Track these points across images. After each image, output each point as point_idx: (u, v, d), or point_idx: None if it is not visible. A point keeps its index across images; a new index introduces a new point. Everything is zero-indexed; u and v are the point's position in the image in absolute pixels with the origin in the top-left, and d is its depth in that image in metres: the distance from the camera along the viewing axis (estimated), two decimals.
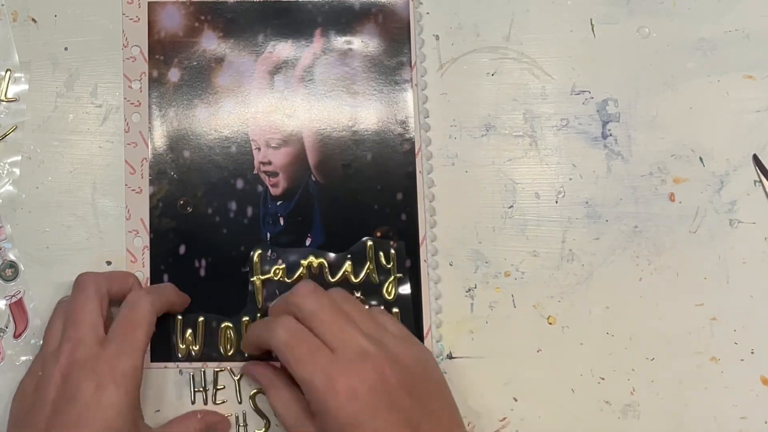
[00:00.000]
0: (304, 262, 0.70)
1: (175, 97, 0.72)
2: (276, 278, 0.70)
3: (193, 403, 0.69)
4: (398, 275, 0.70)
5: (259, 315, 0.70)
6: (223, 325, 0.70)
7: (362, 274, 0.70)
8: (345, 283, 0.70)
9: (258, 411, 0.69)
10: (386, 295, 0.70)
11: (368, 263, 0.70)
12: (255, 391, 0.69)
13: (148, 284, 0.69)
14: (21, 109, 0.71)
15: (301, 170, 0.71)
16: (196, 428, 0.67)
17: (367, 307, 0.68)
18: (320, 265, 0.70)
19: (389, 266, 0.70)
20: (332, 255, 0.70)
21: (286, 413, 0.64)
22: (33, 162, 0.71)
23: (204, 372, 0.69)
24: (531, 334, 0.70)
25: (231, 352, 0.69)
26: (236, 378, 0.69)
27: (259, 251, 0.70)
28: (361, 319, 0.64)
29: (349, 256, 0.70)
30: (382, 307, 0.69)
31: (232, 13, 0.73)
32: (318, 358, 0.60)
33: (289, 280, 0.70)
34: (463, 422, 0.64)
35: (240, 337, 0.69)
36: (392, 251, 0.70)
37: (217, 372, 0.69)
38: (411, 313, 0.70)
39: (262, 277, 0.70)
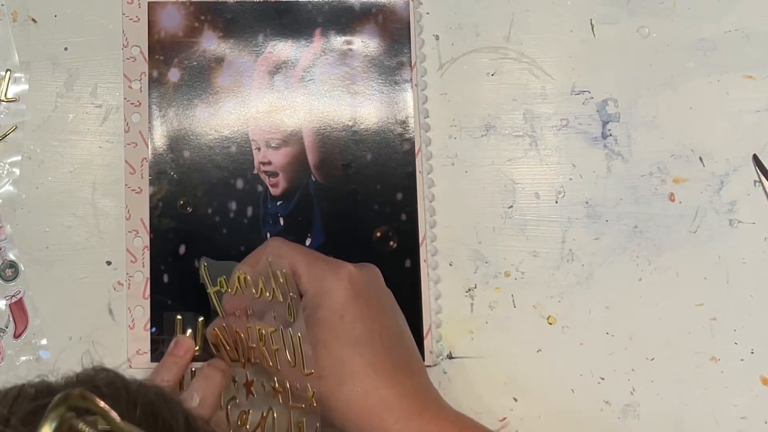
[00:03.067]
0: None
1: (175, 97, 0.72)
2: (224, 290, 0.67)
3: None
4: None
5: (225, 324, 0.67)
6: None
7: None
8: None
9: None
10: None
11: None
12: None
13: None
14: (21, 109, 0.71)
15: (301, 170, 0.71)
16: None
17: None
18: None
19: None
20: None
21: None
22: (33, 162, 0.71)
23: None
24: (531, 334, 0.70)
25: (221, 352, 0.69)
26: None
27: (204, 264, 0.68)
28: None
29: None
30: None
31: (232, 13, 0.73)
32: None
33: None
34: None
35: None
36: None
37: None
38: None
39: (214, 289, 0.67)
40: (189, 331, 0.69)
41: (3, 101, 0.71)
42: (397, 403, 0.60)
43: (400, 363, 0.62)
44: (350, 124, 0.72)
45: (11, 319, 0.69)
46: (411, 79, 0.72)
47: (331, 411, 0.61)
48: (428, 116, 0.72)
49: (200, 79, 0.72)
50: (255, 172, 0.71)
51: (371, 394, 0.60)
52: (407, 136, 0.72)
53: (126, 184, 0.71)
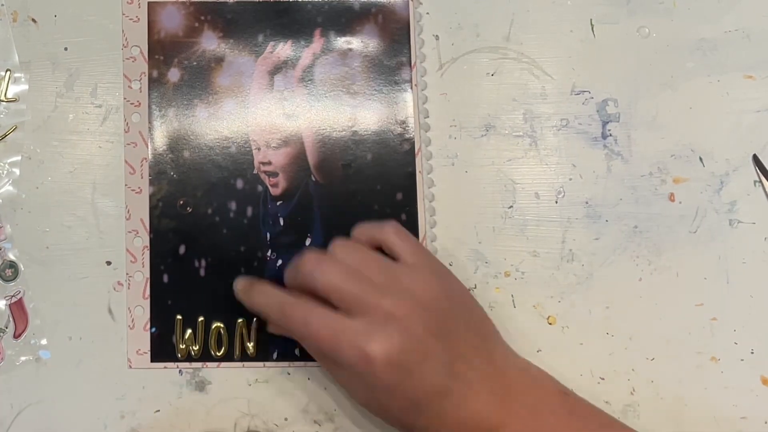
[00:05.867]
0: None
1: (174, 97, 0.72)
2: None
3: None
4: None
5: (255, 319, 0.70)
6: (213, 326, 0.70)
7: None
8: None
9: None
10: None
11: None
12: None
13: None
14: (21, 109, 0.71)
15: (301, 170, 0.71)
16: None
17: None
18: None
19: None
20: None
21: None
22: (33, 162, 0.71)
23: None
24: (531, 334, 0.70)
25: (221, 353, 0.69)
26: None
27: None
28: (372, 270, 0.63)
29: None
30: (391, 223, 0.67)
31: (232, 13, 0.73)
32: (346, 335, 0.60)
33: None
34: (501, 336, 0.66)
35: (231, 339, 0.69)
36: None
37: None
38: None
39: None
40: (189, 331, 0.69)
41: (3, 101, 0.71)
42: (492, 408, 0.61)
43: (484, 360, 0.63)
44: (350, 124, 0.72)
45: (11, 319, 0.69)
46: (411, 79, 0.72)
47: (414, 425, 0.62)
48: (428, 116, 0.72)
49: (200, 79, 0.72)
50: (255, 172, 0.71)
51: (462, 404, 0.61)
52: (407, 136, 0.72)
53: (126, 184, 0.71)
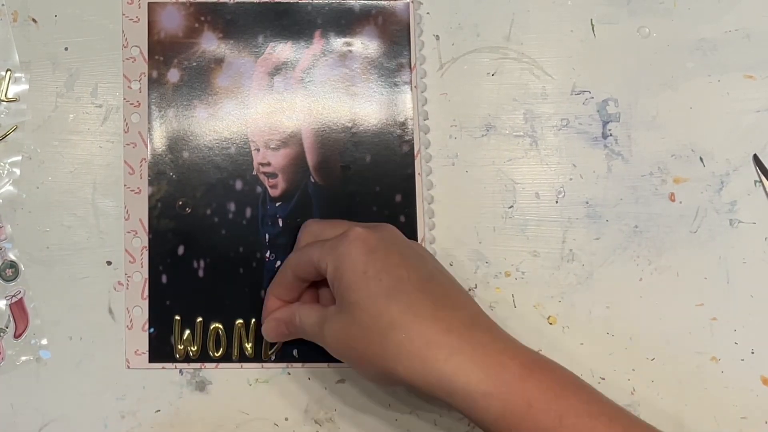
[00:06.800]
0: None
1: (174, 97, 0.72)
2: None
3: None
4: None
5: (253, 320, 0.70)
6: (212, 327, 0.70)
7: None
8: None
9: None
10: None
11: None
12: None
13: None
14: (21, 109, 0.71)
15: (300, 171, 0.71)
16: None
17: None
18: None
19: None
20: None
21: (307, 320, 0.65)
22: (33, 162, 0.71)
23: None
24: (531, 334, 0.69)
25: (219, 353, 0.69)
26: None
27: None
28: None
29: None
30: None
31: (232, 14, 0.73)
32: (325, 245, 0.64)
33: None
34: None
35: (229, 339, 0.69)
36: None
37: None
38: None
39: None
40: (187, 332, 0.69)
41: (3, 101, 0.71)
42: (444, 338, 0.59)
43: (439, 300, 0.61)
44: (349, 125, 0.72)
45: (11, 319, 0.69)
46: (410, 81, 0.72)
47: (382, 365, 0.60)
48: (428, 118, 0.72)
49: (200, 79, 0.72)
50: (254, 173, 0.71)
51: (415, 337, 0.59)
52: (406, 138, 0.72)
53: (125, 185, 0.71)
